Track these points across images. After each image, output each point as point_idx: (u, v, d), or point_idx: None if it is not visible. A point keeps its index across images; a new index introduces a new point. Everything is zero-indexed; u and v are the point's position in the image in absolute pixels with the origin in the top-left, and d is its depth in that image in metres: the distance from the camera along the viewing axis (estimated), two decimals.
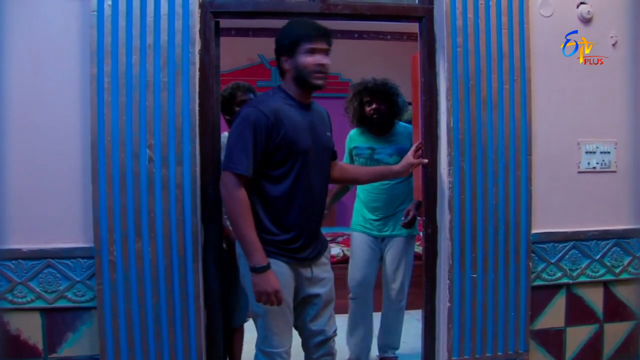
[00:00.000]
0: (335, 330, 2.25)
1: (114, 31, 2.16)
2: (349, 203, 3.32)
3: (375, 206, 3.09)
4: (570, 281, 2.54)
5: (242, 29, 5.55)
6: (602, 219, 2.57)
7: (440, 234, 2.47)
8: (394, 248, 3.09)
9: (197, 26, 2.24)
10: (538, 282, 2.50)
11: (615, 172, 2.58)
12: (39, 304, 2.20)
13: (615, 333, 2.63)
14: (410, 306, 3.32)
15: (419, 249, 3.57)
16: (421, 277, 2.56)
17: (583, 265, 2.55)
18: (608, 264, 2.58)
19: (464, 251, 2.40)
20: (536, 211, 2.47)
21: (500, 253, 2.43)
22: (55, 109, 2.19)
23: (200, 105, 2.26)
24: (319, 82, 2.07)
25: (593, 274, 2.56)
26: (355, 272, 3.12)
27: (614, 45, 2.55)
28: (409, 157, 2.49)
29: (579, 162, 2.54)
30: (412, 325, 3.59)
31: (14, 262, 2.17)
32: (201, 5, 2.28)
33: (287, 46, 2.06)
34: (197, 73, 2.24)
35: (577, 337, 2.59)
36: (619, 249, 2.58)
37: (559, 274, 2.53)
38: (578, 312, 2.58)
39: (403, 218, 2.98)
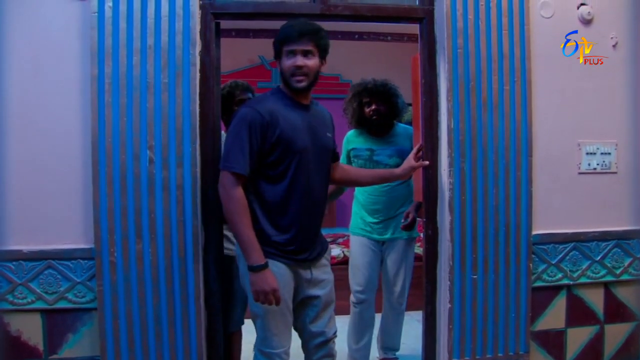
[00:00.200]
0: (335, 332, 2.24)
1: (115, 32, 2.16)
2: (350, 204, 3.30)
3: (376, 209, 3.05)
4: (571, 282, 2.54)
5: (242, 30, 5.56)
6: (602, 220, 2.57)
7: (441, 235, 2.47)
8: (395, 251, 3.06)
9: (198, 27, 2.24)
10: (538, 283, 2.50)
11: (615, 173, 2.58)
12: (39, 305, 2.20)
13: (616, 334, 2.63)
14: (411, 307, 3.32)
15: (419, 250, 3.57)
16: (421, 278, 2.56)
17: (584, 267, 2.55)
18: (609, 265, 2.58)
19: (465, 252, 2.40)
20: (537, 212, 2.47)
21: (500, 254, 2.43)
22: (55, 110, 2.20)
23: (200, 106, 2.26)
24: (297, 84, 2.07)
25: (594, 275, 2.56)
26: (357, 277, 3.07)
27: (614, 46, 2.55)
28: (410, 160, 2.49)
29: (580, 163, 2.54)
30: (412, 326, 3.59)
31: (14, 263, 2.17)
32: (202, 7, 2.29)
33: (275, 49, 2.11)
34: (198, 74, 2.24)
35: (577, 338, 2.59)
36: (619, 250, 2.58)
37: (560, 275, 2.53)
38: (579, 313, 2.58)
39: (403, 220, 2.95)
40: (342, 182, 2.51)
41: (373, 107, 3.02)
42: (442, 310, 2.47)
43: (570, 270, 2.53)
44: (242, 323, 2.73)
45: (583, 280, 2.56)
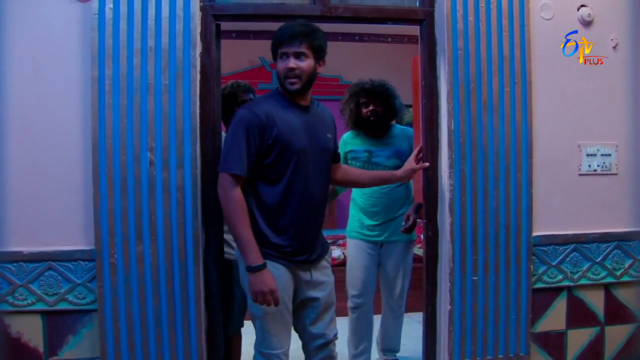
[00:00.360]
0: (336, 334, 2.24)
1: (115, 34, 2.16)
2: None
3: (375, 211, 3.02)
4: (571, 284, 2.54)
5: (242, 31, 5.56)
6: (603, 221, 2.57)
7: (441, 236, 2.47)
8: (394, 255, 3.04)
9: (198, 29, 2.25)
10: (539, 285, 2.50)
11: (616, 174, 2.58)
12: (39, 306, 2.20)
13: (616, 336, 2.63)
14: (411, 309, 3.32)
15: (419, 251, 3.57)
16: (422, 280, 2.56)
17: (584, 268, 2.55)
18: (609, 266, 2.57)
19: (465, 254, 2.39)
20: (537, 214, 2.47)
21: (501, 256, 2.42)
22: (56, 112, 2.20)
23: (201, 107, 2.26)
24: (290, 87, 2.08)
25: (594, 276, 2.56)
26: (355, 281, 3.04)
27: (614, 47, 2.55)
28: (411, 162, 2.49)
29: (580, 165, 2.54)
30: (412, 327, 3.59)
31: (14, 264, 2.17)
32: (202, 8, 2.29)
33: (272, 52, 2.13)
34: (198, 76, 2.24)
35: (578, 339, 2.58)
36: (620, 252, 2.58)
37: (560, 277, 2.53)
38: (579, 315, 2.57)
39: (403, 223, 2.92)
40: (343, 183, 2.51)
41: (371, 107, 2.99)
42: (442, 311, 2.47)
43: (570, 272, 2.53)
44: (242, 325, 2.73)
45: (583, 281, 2.55)
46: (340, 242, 4.81)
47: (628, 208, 2.60)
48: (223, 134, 2.41)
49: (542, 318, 2.53)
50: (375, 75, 3.10)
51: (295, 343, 2.20)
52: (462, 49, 2.37)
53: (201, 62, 2.27)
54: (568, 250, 2.53)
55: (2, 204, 2.17)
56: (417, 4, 2.53)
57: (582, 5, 2.51)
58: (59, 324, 2.22)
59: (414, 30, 2.56)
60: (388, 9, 2.50)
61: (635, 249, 2.60)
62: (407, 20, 2.55)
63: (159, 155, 2.19)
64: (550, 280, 2.52)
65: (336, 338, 2.25)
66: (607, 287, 2.60)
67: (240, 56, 5.83)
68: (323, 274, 2.21)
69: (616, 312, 2.62)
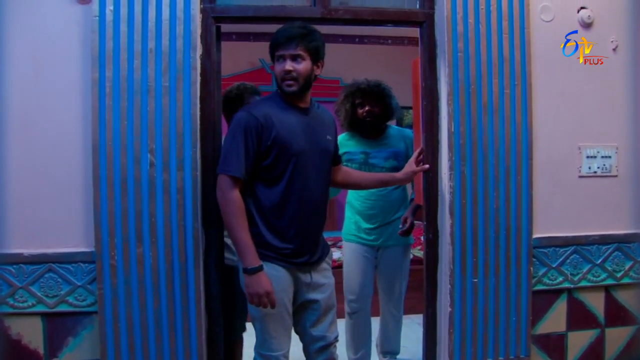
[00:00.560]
0: (336, 336, 2.24)
1: (116, 36, 2.17)
2: None
3: (372, 214, 2.99)
4: (572, 286, 2.54)
5: (243, 33, 5.57)
6: (603, 223, 2.57)
7: (441, 238, 2.47)
8: (392, 260, 3.02)
9: (199, 31, 2.25)
10: (539, 287, 2.50)
11: (616, 176, 2.58)
12: (40, 308, 2.20)
13: (616, 338, 2.63)
14: (411, 310, 3.32)
15: (419, 253, 3.57)
16: (422, 282, 2.56)
17: (584, 270, 2.55)
18: (609, 268, 2.57)
19: (465, 256, 2.39)
20: (537, 216, 2.47)
21: (501, 257, 2.42)
22: (56, 114, 2.20)
23: (201, 110, 2.26)
24: (288, 89, 2.09)
25: (594, 278, 2.56)
26: (352, 285, 3.00)
27: (614, 49, 2.55)
28: (412, 165, 2.49)
29: (580, 167, 2.54)
30: (413, 329, 3.59)
31: (15, 266, 2.17)
32: (202, 11, 2.29)
33: (270, 55, 2.14)
34: (199, 78, 2.24)
35: (578, 341, 2.58)
36: (620, 254, 2.58)
37: (560, 279, 2.53)
38: (579, 317, 2.57)
39: (401, 226, 2.90)
40: (343, 185, 2.51)
41: (367, 108, 2.95)
42: (442, 313, 2.47)
43: (570, 274, 2.53)
44: (244, 330, 2.72)
45: (584, 283, 2.55)
46: (340, 244, 4.79)
47: (628, 210, 2.60)
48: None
49: (542, 320, 2.53)
50: (376, 77, 3.08)
51: (296, 345, 2.20)
52: (462, 51, 2.37)
53: (201, 64, 2.28)
54: (568, 252, 2.53)
55: (2, 205, 2.17)
56: (417, 6, 2.53)
57: (582, 8, 2.51)
58: (59, 326, 2.22)
59: (414, 32, 2.56)
60: (388, 11, 2.50)
61: (636, 251, 2.60)
62: (407, 22, 2.55)
63: (159, 157, 2.19)
64: (551, 282, 2.52)
65: (337, 340, 2.25)
66: (607, 289, 2.60)
67: (241, 58, 5.83)
68: (323, 276, 2.21)
69: (616, 314, 2.62)
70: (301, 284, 2.14)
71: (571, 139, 2.53)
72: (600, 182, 2.56)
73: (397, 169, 2.86)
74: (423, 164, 2.49)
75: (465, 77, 2.37)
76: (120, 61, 2.17)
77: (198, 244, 2.23)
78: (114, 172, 2.16)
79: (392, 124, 3.27)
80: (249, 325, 2.37)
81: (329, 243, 2.33)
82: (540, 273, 2.50)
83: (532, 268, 2.46)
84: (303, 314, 2.18)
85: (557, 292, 2.54)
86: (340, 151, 2.97)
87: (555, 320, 2.55)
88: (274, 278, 2.03)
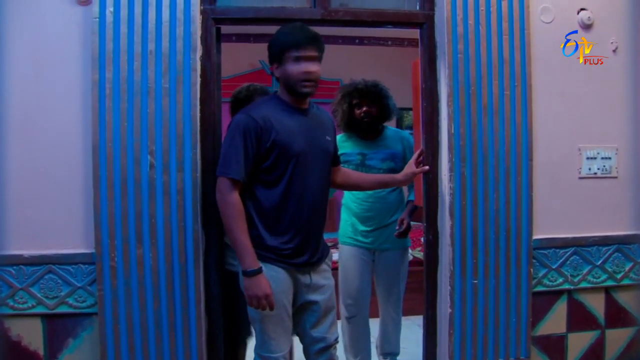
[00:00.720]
0: (337, 338, 2.24)
1: (116, 38, 2.17)
2: None
3: (369, 216, 2.96)
4: (572, 287, 2.54)
5: (243, 34, 5.56)
6: (603, 224, 2.57)
7: (441, 239, 2.47)
8: (389, 263, 2.99)
9: (199, 32, 2.25)
10: (539, 288, 2.50)
11: (616, 177, 2.58)
12: (39, 309, 2.20)
13: (617, 339, 2.62)
14: (411, 312, 3.30)
15: (419, 254, 3.56)
16: (422, 283, 2.56)
17: (584, 271, 2.55)
18: (609, 269, 2.57)
19: (465, 257, 2.39)
20: (537, 217, 2.47)
21: (501, 259, 2.42)
22: (56, 115, 2.20)
23: (201, 111, 2.26)
24: (306, 90, 2.07)
25: (594, 279, 2.56)
26: (349, 289, 2.97)
27: (614, 51, 2.55)
28: (412, 166, 2.49)
29: (580, 168, 2.54)
30: (413, 331, 3.59)
31: (15, 267, 2.17)
32: (202, 12, 2.29)
33: (275, 54, 2.08)
34: (199, 79, 2.24)
35: (578, 343, 2.58)
36: (620, 255, 2.58)
37: (560, 280, 2.52)
38: (579, 318, 2.57)
39: (397, 227, 2.88)
40: (343, 186, 2.51)
41: (364, 108, 2.92)
42: (442, 315, 2.47)
43: (571, 275, 2.53)
44: (251, 335, 2.71)
45: (584, 285, 2.55)
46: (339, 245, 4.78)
47: (628, 211, 2.60)
48: None
49: (542, 321, 2.53)
50: (376, 79, 3.05)
51: (297, 346, 2.19)
52: (462, 52, 2.37)
53: (201, 65, 2.28)
54: (568, 253, 2.52)
55: (2, 206, 2.17)
56: (417, 7, 2.53)
57: (582, 9, 2.51)
58: (59, 327, 2.22)
59: (414, 33, 2.57)
60: (388, 13, 2.50)
61: (636, 252, 2.60)
62: (407, 23, 2.55)
63: (159, 159, 2.19)
64: (551, 283, 2.51)
65: (337, 342, 2.25)
66: (607, 291, 2.60)
67: (241, 59, 5.82)
68: (323, 278, 2.20)
69: (617, 316, 2.62)
70: (301, 285, 2.13)
71: (571, 140, 2.53)
72: (600, 183, 2.56)
73: (395, 170, 2.85)
74: (423, 165, 2.49)
75: (465, 79, 2.38)
76: (120, 62, 2.17)
77: (198, 245, 2.23)
78: (114, 173, 2.16)
79: (392, 125, 3.26)
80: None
81: (329, 244, 2.33)
82: (541, 274, 2.50)
83: (532, 269, 2.46)
84: (303, 315, 2.18)
85: (557, 294, 2.54)
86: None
87: (555, 321, 2.55)
88: (274, 279, 2.03)
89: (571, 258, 2.53)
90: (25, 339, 2.21)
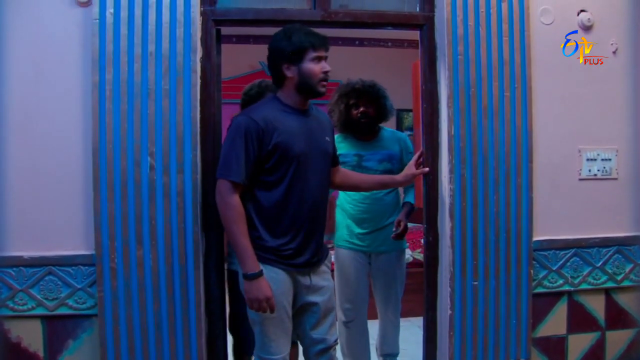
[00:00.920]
0: (336, 339, 2.24)
1: (116, 39, 2.17)
2: None
3: (365, 218, 2.92)
4: (572, 288, 2.54)
5: (243, 36, 5.56)
6: (603, 226, 2.57)
7: (441, 241, 2.47)
8: (387, 267, 2.96)
9: (199, 34, 2.25)
10: (539, 290, 2.50)
11: (616, 179, 2.58)
12: (39, 311, 2.20)
13: (617, 341, 2.62)
14: (411, 313, 3.30)
15: (419, 255, 3.56)
16: (422, 284, 2.56)
17: (584, 273, 2.55)
18: (610, 271, 2.57)
19: (465, 258, 2.39)
20: (537, 218, 2.47)
21: (501, 260, 2.42)
22: (56, 117, 2.20)
23: (201, 112, 2.26)
24: (324, 89, 2.10)
25: (594, 281, 2.56)
26: (347, 293, 2.94)
27: (614, 52, 2.55)
28: (411, 167, 2.49)
29: (580, 169, 2.54)
30: (412, 332, 3.58)
31: (15, 269, 2.17)
32: (203, 13, 2.30)
33: (290, 54, 2.06)
34: (199, 81, 2.24)
35: (579, 344, 2.58)
36: (620, 256, 2.58)
37: (561, 282, 2.52)
38: (580, 320, 2.57)
39: (394, 229, 2.85)
40: (342, 186, 2.51)
41: (361, 109, 2.89)
42: (442, 316, 2.46)
43: (571, 277, 2.53)
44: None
45: (584, 286, 2.55)
46: None
47: (628, 213, 2.60)
48: None
49: (542, 323, 2.53)
50: (376, 80, 3.04)
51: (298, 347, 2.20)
52: (462, 53, 2.37)
53: (202, 67, 2.28)
54: (568, 254, 2.52)
55: (2, 208, 2.17)
56: (417, 8, 2.53)
57: (582, 10, 2.51)
58: (59, 328, 2.22)
59: (414, 34, 2.57)
60: (388, 14, 2.50)
61: (636, 254, 2.59)
62: (407, 25, 2.55)
63: (159, 160, 2.19)
64: (551, 285, 2.51)
65: (337, 343, 2.24)
66: (607, 292, 2.60)
67: (241, 61, 5.82)
68: (322, 279, 2.20)
69: (617, 317, 2.61)
70: (301, 286, 2.13)
71: (571, 142, 2.53)
72: (601, 185, 2.56)
73: (391, 172, 2.84)
74: (423, 167, 2.49)
75: (465, 80, 2.38)
76: (120, 64, 2.17)
77: (198, 247, 2.23)
78: (114, 175, 2.16)
79: (392, 126, 3.26)
80: None
81: (328, 246, 2.33)
82: (541, 276, 2.50)
83: (532, 271, 2.46)
84: (303, 316, 2.18)
85: (558, 295, 2.54)
86: None
87: (555, 323, 2.55)
88: (274, 281, 2.03)
89: (571, 259, 2.53)
90: (25, 340, 2.21)
